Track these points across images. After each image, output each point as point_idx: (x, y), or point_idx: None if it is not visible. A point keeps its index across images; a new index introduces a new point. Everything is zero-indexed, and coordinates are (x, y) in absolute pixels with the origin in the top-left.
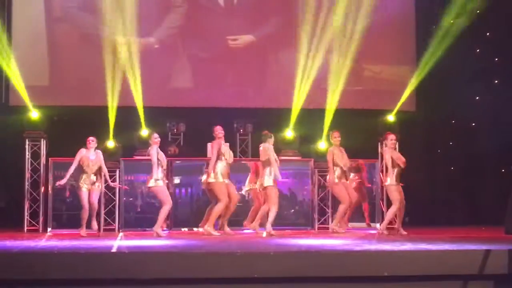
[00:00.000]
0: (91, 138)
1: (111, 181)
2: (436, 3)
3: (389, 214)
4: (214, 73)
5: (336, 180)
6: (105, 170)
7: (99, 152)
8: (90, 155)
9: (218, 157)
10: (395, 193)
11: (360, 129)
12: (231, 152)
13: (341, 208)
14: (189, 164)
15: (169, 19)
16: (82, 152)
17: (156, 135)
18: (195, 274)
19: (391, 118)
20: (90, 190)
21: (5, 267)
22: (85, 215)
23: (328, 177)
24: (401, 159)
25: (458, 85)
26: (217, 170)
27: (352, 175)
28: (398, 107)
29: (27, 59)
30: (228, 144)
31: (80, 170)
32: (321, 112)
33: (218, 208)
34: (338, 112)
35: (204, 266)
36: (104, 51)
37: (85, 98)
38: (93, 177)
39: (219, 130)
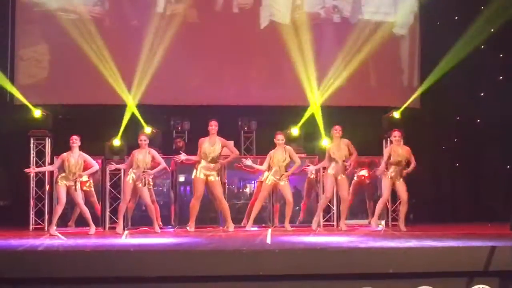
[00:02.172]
0: (74, 136)
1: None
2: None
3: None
4: (218, 71)
5: (329, 171)
6: (85, 173)
7: (84, 156)
8: (71, 158)
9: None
10: (384, 187)
11: (364, 126)
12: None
13: (321, 200)
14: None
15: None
16: (63, 156)
17: (143, 137)
18: (200, 272)
19: (396, 115)
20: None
21: (11, 266)
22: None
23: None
24: (401, 156)
25: (463, 81)
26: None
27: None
28: (406, 105)
29: (31, 57)
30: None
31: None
32: (326, 109)
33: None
34: (342, 109)
35: (209, 264)
36: (108, 49)
37: (90, 96)
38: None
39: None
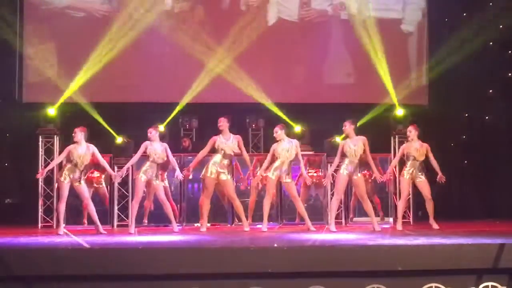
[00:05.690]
0: (75, 129)
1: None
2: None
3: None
4: (226, 68)
5: (342, 172)
6: (105, 165)
7: (91, 146)
8: (78, 148)
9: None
10: (403, 186)
11: (372, 123)
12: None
13: (332, 201)
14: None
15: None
16: (70, 147)
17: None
18: (208, 269)
19: (400, 112)
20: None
21: (20, 264)
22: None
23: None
24: (417, 152)
25: (471, 78)
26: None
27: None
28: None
29: (39, 55)
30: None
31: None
32: (332, 106)
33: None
34: (349, 106)
35: (218, 261)
36: (115, 46)
37: (97, 94)
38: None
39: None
